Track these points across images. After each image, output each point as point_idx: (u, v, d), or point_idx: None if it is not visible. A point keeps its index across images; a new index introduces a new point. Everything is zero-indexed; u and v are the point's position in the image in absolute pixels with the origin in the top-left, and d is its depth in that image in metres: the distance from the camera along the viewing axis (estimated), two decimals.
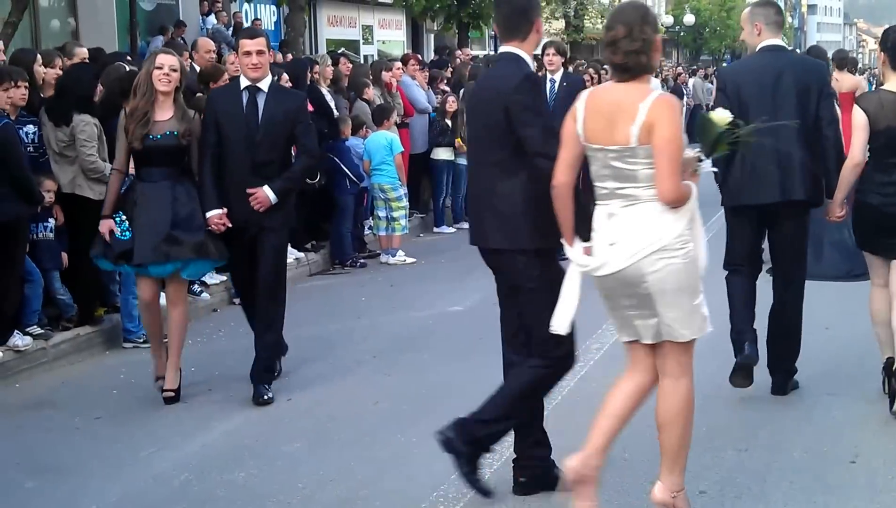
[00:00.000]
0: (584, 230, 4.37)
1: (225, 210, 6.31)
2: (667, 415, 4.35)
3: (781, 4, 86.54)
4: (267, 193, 6.27)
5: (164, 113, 6.34)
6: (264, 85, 6.37)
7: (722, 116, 4.55)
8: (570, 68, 14.15)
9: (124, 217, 6.34)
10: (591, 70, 13.39)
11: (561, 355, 4.69)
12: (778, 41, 6.02)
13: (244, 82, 6.39)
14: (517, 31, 4.60)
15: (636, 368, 4.45)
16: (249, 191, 6.25)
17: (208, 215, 6.31)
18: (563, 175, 4.33)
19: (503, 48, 4.66)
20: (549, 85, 10.02)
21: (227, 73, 9.63)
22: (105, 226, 6.35)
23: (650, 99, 4.12)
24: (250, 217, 6.31)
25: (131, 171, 6.58)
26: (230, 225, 6.33)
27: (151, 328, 6.63)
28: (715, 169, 4.72)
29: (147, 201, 6.31)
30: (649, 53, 4.18)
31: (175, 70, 6.34)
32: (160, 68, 6.30)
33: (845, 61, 12.65)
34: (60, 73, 8.16)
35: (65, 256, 7.62)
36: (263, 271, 6.43)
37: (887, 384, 5.89)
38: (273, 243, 6.43)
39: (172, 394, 6.42)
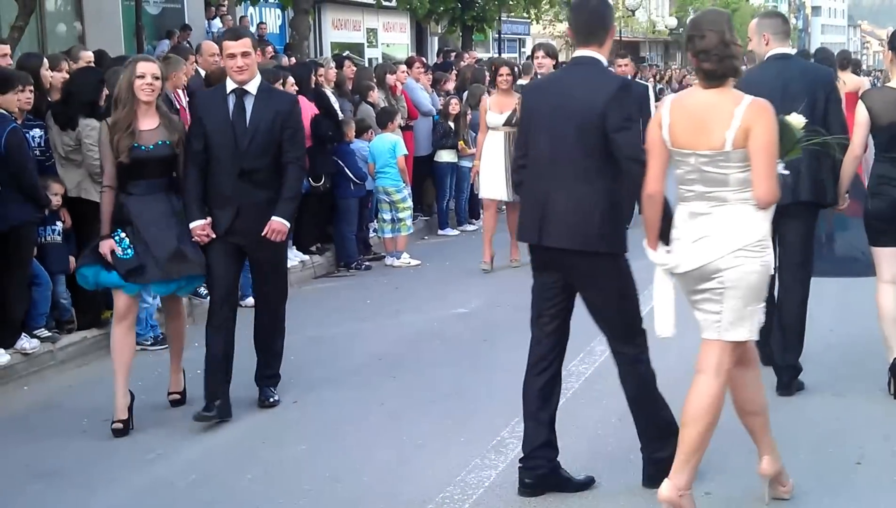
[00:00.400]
0: (665, 235, 4.51)
1: (209, 220, 6.07)
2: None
3: (785, 7, 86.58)
4: (280, 222, 6.07)
5: (150, 122, 6.05)
6: (252, 87, 6.11)
7: (798, 121, 4.76)
8: None
9: (123, 235, 6.01)
10: None
11: (643, 337, 4.84)
12: (785, 49, 6.15)
13: (230, 86, 6.13)
14: (595, 36, 4.71)
15: (700, 366, 4.50)
16: (265, 233, 6.04)
17: (192, 225, 6.04)
18: (656, 184, 4.46)
19: (581, 52, 4.76)
20: None
21: None
22: (106, 246, 6.00)
23: (745, 104, 4.25)
24: (237, 228, 6.08)
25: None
26: (214, 236, 6.08)
27: (120, 352, 6.09)
28: (787, 172, 4.79)
29: (147, 216, 6.02)
30: (739, 58, 4.35)
31: (157, 78, 6.03)
32: (142, 77, 5.96)
33: (848, 62, 12.79)
34: (67, 76, 8.19)
35: (72, 259, 7.65)
36: (264, 288, 6.36)
37: (893, 384, 5.92)
38: (270, 260, 6.29)
39: (179, 397, 6.41)
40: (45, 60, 8.21)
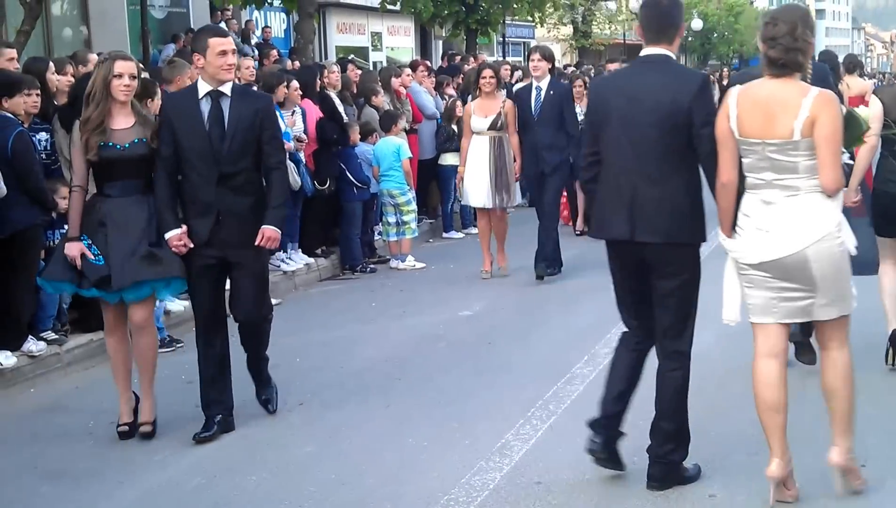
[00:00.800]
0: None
1: (185, 229, 5.76)
2: (835, 383, 4.70)
3: None
4: (273, 230, 5.82)
5: (124, 121, 5.80)
6: (226, 88, 5.80)
7: (865, 113, 5.00)
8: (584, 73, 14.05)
9: (90, 241, 5.74)
10: (579, 81, 12.96)
11: (692, 338, 5.00)
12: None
13: (205, 88, 5.78)
14: (665, 34, 4.83)
15: (772, 351, 4.70)
16: (258, 242, 5.78)
17: (167, 235, 5.71)
18: (730, 173, 4.61)
19: (651, 50, 4.86)
20: (534, 93, 9.91)
21: (243, 78, 9.72)
22: (75, 249, 5.69)
23: (811, 95, 4.42)
24: (217, 237, 5.79)
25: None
26: (192, 245, 5.76)
27: (118, 362, 6.04)
28: (851, 162, 5.04)
29: (119, 219, 5.74)
30: (805, 54, 4.47)
31: (134, 77, 5.81)
32: (119, 77, 5.72)
33: (855, 66, 12.94)
34: (72, 80, 8.22)
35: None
36: (245, 305, 5.94)
37: (892, 353, 6.22)
38: (254, 271, 5.95)
39: (150, 428, 5.96)
40: (52, 64, 8.24)
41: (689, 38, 55.79)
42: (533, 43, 39.58)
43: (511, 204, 10.35)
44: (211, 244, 5.78)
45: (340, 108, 11.09)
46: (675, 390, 4.91)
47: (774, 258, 4.51)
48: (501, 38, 30.25)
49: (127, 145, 5.75)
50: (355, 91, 12.25)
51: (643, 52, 4.90)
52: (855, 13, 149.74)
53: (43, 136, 7.56)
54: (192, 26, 18.53)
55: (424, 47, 29.99)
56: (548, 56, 10.20)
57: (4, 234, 7.00)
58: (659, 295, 4.90)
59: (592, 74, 14.18)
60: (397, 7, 20.31)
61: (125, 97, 5.79)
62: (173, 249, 5.73)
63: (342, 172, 10.67)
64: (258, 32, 20.29)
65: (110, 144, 5.73)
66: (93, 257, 5.71)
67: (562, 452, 5.43)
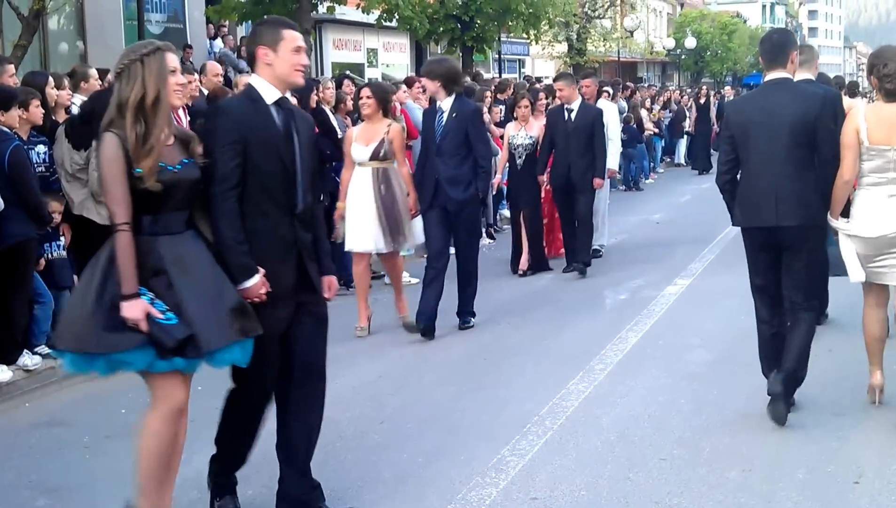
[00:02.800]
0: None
1: (263, 272, 4.53)
2: None
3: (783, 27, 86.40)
4: (334, 279, 5.00)
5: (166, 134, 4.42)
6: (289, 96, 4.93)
7: None
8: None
9: (151, 294, 4.25)
10: (524, 100, 11.85)
11: (817, 299, 6.47)
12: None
13: (272, 93, 4.63)
14: (778, 61, 6.07)
15: (878, 302, 6.23)
16: (325, 291, 4.91)
17: (247, 283, 4.44)
18: (852, 172, 5.95)
19: (773, 74, 6.08)
20: (437, 116, 8.55)
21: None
22: (138, 309, 4.15)
23: None
24: (303, 284, 4.74)
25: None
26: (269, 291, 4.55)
27: (175, 456, 4.63)
28: None
29: (186, 262, 4.37)
30: None
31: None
32: (173, 73, 4.46)
33: (855, 93, 13.72)
34: (70, 95, 8.24)
35: (75, 278, 7.69)
36: (316, 358, 5.00)
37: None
38: (324, 319, 4.98)
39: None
40: (51, 79, 8.26)
41: (683, 56, 56.09)
42: (528, 60, 39.80)
43: (408, 245, 9.07)
44: (296, 292, 4.71)
45: (335, 123, 11.10)
46: (804, 333, 6.00)
47: (886, 234, 5.89)
48: (497, 55, 30.34)
49: (178, 167, 4.38)
50: (350, 107, 12.27)
51: (768, 77, 6.10)
52: (847, 32, 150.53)
53: (41, 148, 7.58)
54: (188, 41, 18.59)
55: (420, 64, 30.04)
56: (440, 74, 8.53)
57: (1, 247, 7.01)
58: (790, 274, 6.03)
59: (537, 91, 13.58)
60: (393, 24, 20.37)
61: (180, 101, 4.69)
62: (250, 300, 4.48)
63: (336, 187, 10.67)
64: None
65: (161, 163, 4.31)
66: (161, 315, 4.22)
67: (557, 468, 5.44)
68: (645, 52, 53.88)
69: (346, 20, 22.83)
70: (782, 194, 5.88)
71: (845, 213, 6.08)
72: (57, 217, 7.50)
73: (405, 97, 13.32)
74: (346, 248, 8.88)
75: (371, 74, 26.47)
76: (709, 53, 58.47)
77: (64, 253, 7.57)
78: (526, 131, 11.52)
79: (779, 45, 6.08)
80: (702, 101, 26.76)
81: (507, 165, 11.94)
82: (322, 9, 17.29)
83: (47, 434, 6.42)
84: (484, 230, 13.97)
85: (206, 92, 10.34)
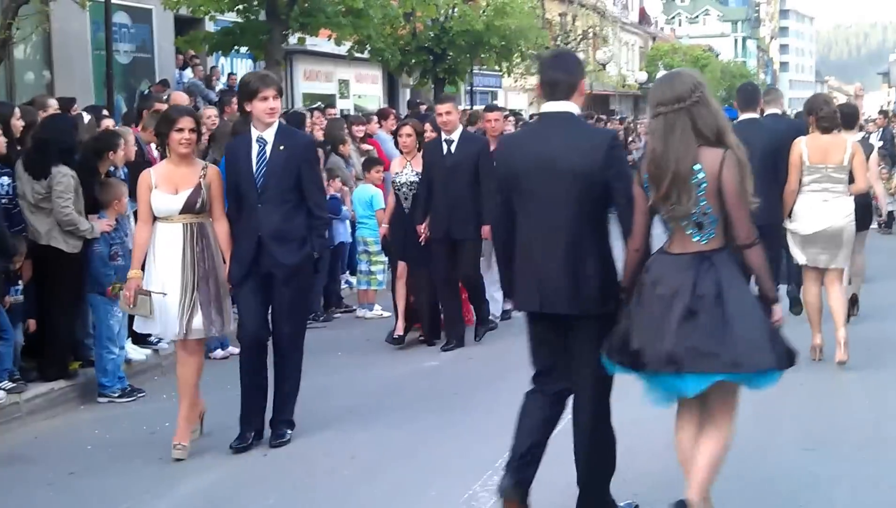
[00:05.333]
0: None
1: None
2: (834, 303, 8.10)
3: (754, 62, 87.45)
4: None
5: None
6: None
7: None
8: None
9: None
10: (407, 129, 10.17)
11: None
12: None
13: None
14: (751, 106, 8.56)
15: (814, 280, 8.19)
16: None
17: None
18: (795, 184, 8.05)
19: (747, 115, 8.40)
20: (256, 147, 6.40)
21: (206, 127, 9.68)
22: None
23: (850, 141, 8.23)
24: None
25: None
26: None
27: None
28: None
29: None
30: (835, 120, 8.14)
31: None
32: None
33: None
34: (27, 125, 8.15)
35: (31, 322, 7.60)
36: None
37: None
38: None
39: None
40: (17, 110, 8.16)
41: None
42: (500, 92, 39.97)
43: (222, 330, 6.66)
44: None
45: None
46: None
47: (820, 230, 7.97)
48: (469, 87, 30.42)
49: None
50: (322, 138, 12.24)
51: (742, 117, 8.04)
52: (818, 66, 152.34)
53: (5, 180, 7.48)
54: (157, 72, 18.51)
55: (392, 95, 30.10)
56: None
57: None
58: None
59: (426, 116, 12.38)
60: (365, 55, 20.37)
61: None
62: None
63: None
64: (224, 79, 20.27)
65: None
66: None
67: (531, 503, 5.35)
68: (617, 85, 54.22)
69: (318, 51, 22.79)
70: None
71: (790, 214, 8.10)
72: (19, 259, 7.38)
73: (376, 129, 13.32)
74: (144, 330, 6.73)
75: (343, 105, 26.46)
76: None
77: (20, 297, 7.46)
78: (412, 167, 9.41)
79: (752, 93, 8.79)
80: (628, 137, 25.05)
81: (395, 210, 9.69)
82: (293, 40, 17.26)
83: (10, 471, 6.30)
84: None
85: None
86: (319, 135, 11.55)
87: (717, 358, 4.25)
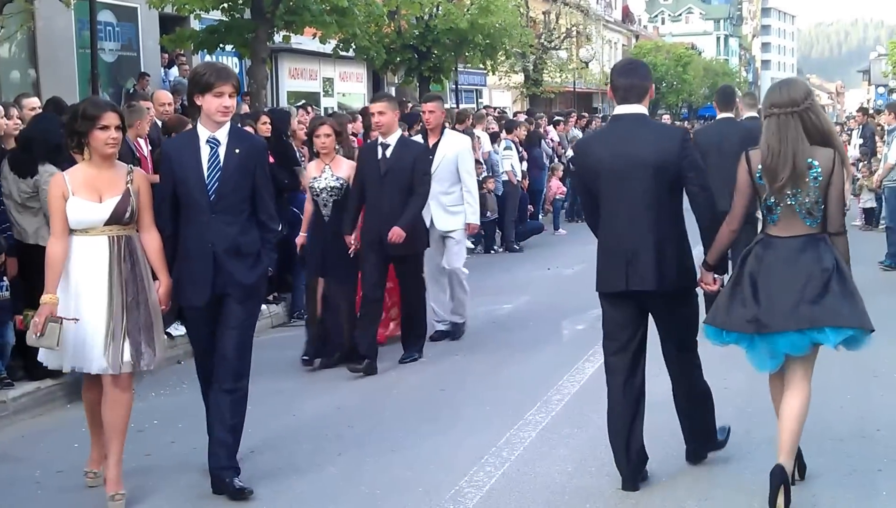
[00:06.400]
0: None
1: None
2: None
3: (736, 60, 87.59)
4: None
5: None
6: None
7: None
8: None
9: None
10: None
11: None
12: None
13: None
14: (728, 106, 8.40)
15: None
16: None
17: None
18: None
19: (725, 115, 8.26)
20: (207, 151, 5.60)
21: (158, 113, 9.71)
22: None
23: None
24: None
25: None
26: None
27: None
28: None
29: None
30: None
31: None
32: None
33: None
34: (17, 123, 8.15)
35: (19, 319, 7.60)
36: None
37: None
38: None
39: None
40: (1, 108, 8.17)
41: None
42: (485, 90, 40.01)
43: (152, 364, 5.57)
44: None
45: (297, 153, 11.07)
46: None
47: None
48: (454, 86, 30.45)
49: None
50: (304, 136, 12.26)
51: (720, 116, 7.61)
52: (800, 64, 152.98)
53: None
54: (143, 70, 18.49)
55: (377, 94, 30.13)
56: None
57: None
58: None
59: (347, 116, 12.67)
60: (350, 53, 20.39)
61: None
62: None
63: (294, 218, 10.64)
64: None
65: None
66: None
67: (515, 498, 5.42)
68: (600, 82, 54.21)
69: (303, 49, 22.79)
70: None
71: None
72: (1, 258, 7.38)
73: (361, 127, 13.34)
74: (52, 364, 5.57)
75: (327, 103, 26.49)
76: (664, 85, 59.08)
77: (6, 293, 7.46)
78: (332, 171, 8.56)
79: (730, 96, 9.21)
80: None
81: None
82: (278, 38, 17.26)
83: None
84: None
85: (159, 122, 10.27)
86: (302, 133, 11.54)
87: (850, 317, 4.96)
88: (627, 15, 68.09)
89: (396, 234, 8.21)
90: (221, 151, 5.56)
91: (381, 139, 8.51)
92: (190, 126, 6.75)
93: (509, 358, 8.78)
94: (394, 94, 28.57)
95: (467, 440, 6.45)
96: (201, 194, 5.52)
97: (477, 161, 15.63)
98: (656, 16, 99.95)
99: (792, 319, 4.96)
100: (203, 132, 5.58)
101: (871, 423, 6.41)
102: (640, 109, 5.49)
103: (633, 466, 5.46)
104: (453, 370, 8.43)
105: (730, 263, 5.71)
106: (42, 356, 5.55)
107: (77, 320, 5.32)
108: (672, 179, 5.31)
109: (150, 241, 5.55)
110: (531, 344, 9.23)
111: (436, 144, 9.38)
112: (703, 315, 5.50)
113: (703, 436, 5.74)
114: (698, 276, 5.44)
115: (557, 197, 19.37)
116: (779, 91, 5.16)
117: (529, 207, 17.92)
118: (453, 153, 9.36)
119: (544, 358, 8.67)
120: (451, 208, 9.46)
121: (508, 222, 16.45)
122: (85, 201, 5.37)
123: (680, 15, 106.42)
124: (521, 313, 10.80)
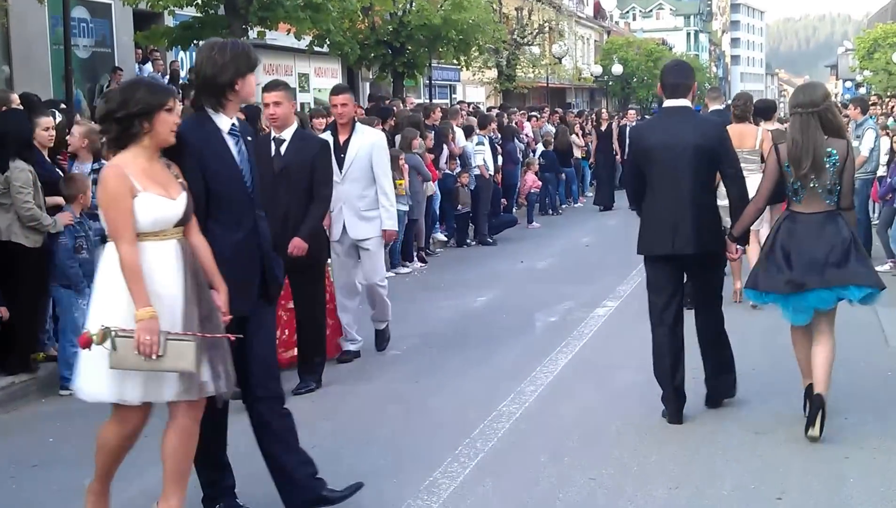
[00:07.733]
0: None
1: None
2: None
3: (706, 56, 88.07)
4: None
5: None
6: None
7: None
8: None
9: None
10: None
11: None
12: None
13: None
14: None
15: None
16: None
17: None
18: None
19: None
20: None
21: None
22: None
23: (761, 129, 10.05)
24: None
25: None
26: None
27: None
28: None
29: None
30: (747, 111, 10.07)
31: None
32: None
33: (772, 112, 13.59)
34: None
35: (3, 310, 7.59)
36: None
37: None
38: None
39: None
40: None
41: (610, 83, 56.82)
42: (458, 86, 40.04)
43: (229, 387, 4.70)
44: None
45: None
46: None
47: None
48: (428, 81, 30.50)
49: None
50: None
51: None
52: (769, 59, 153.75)
53: None
54: (116, 65, 18.44)
55: (351, 89, 30.09)
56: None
57: None
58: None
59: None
60: (325, 49, 20.40)
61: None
62: None
63: None
64: (184, 73, 20.21)
65: None
66: None
67: (489, 489, 5.48)
68: (573, 78, 54.49)
69: (277, 45, 22.77)
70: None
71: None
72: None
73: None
74: (127, 397, 4.57)
75: (302, 99, 26.47)
76: (635, 80, 59.34)
77: None
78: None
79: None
80: (602, 127, 24.01)
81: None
82: (253, 34, 17.25)
83: None
84: (415, 254, 14.03)
85: None
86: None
87: (868, 277, 6.04)
88: (599, 11, 68.26)
89: (297, 247, 7.32)
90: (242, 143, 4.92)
91: (274, 133, 7.51)
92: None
93: (483, 351, 8.84)
94: (368, 89, 28.67)
95: (441, 431, 6.51)
96: (239, 189, 4.88)
97: (451, 156, 15.73)
98: (627, 12, 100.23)
99: (823, 279, 5.97)
100: (225, 122, 4.85)
101: (839, 412, 6.50)
102: (686, 102, 6.55)
103: (679, 401, 6.43)
104: (428, 362, 8.48)
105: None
106: (81, 385, 4.57)
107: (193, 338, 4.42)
108: (710, 161, 6.37)
109: (204, 244, 4.66)
110: (504, 337, 9.30)
111: (347, 141, 8.30)
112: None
113: (725, 370, 6.69)
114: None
115: (532, 191, 19.46)
116: (802, 94, 6.16)
117: (503, 200, 18.00)
118: (366, 151, 8.27)
119: (518, 350, 8.74)
120: (366, 212, 8.34)
121: (482, 215, 16.52)
122: (159, 198, 4.45)
123: (651, 11, 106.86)
124: (494, 306, 10.86)
